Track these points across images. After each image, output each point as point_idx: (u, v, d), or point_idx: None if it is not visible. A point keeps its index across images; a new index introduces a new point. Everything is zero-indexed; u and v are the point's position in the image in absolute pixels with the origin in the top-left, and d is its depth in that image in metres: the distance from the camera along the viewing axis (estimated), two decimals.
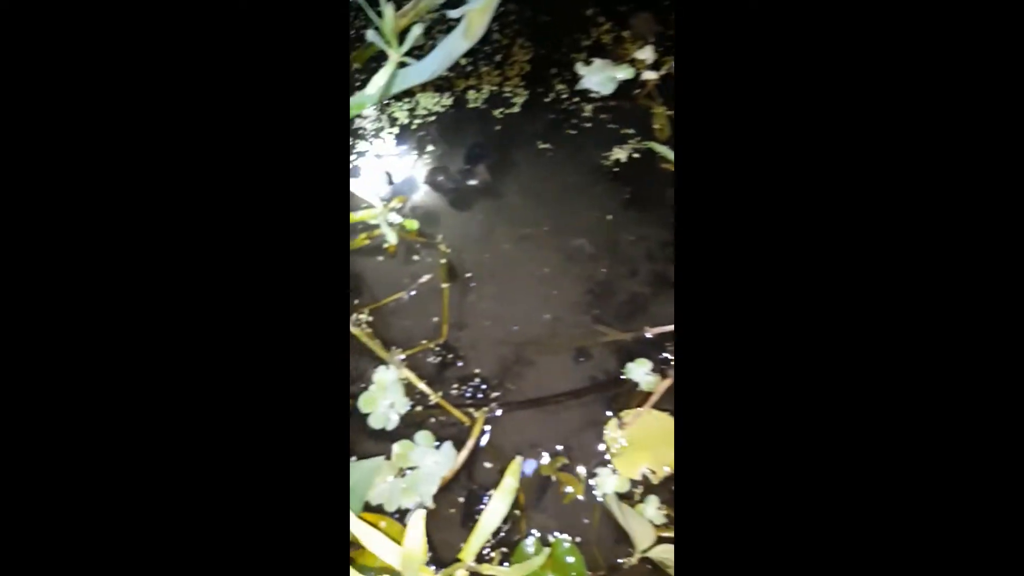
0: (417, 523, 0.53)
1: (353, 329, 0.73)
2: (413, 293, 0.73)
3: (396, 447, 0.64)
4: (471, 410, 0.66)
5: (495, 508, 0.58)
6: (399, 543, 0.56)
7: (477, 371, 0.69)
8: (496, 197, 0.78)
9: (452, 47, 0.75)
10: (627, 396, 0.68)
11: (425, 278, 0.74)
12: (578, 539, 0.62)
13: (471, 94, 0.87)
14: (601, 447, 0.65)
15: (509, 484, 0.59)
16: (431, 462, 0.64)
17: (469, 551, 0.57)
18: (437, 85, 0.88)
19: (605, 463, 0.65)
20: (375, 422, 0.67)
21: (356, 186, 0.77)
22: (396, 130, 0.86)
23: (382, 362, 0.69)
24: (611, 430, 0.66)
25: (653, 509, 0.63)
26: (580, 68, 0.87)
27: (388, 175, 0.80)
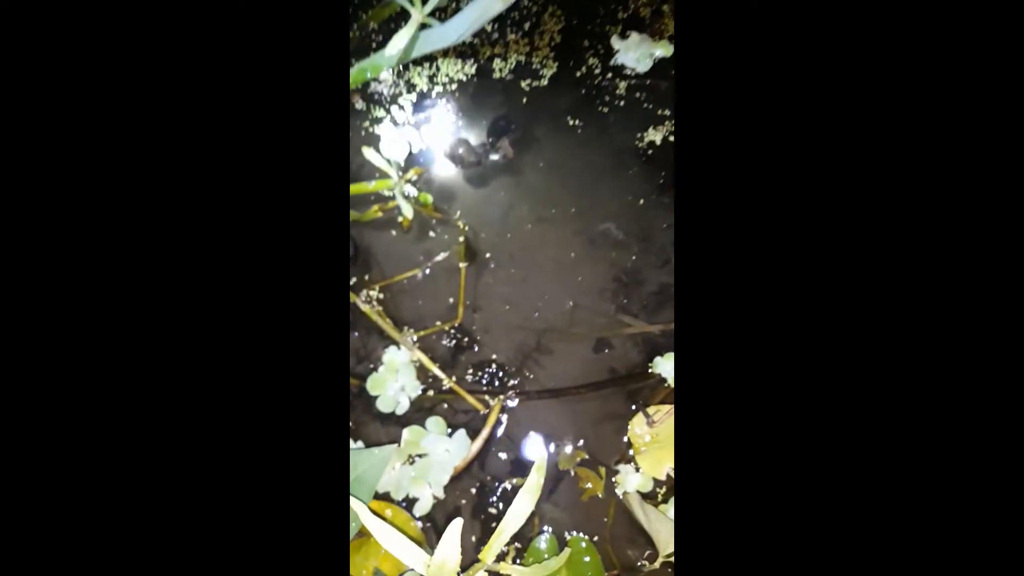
0: (453, 534, 0.48)
1: (362, 305, 0.69)
2: (428, 271, 0.71)
3: (406, 433, 0.61)
4: (486, 397, 0.64)
5: (520, 508, 0.54)
6: (406, 532, 0.54)
7: (494, 357, 0.66)
8: (519, 174, 0.75)
9: (483, 9, 0.71)
10: (652, 391, 0.66)
11: (441, 256, 0.71)
12: (595, 538, 0.60)
13: (497, 63, 0.83)
14: (624, 443, 0.63)
15: (535, 482, 0.55)
16: (443, 450, 0.61)
17: (490, 552, 0.54)
18: (460, 51, 0.84)
19: (628, 460, 0.63)
20: (383, 405, 0.63)
21: (370, 154, 0.73)
22: (414, 97, 0.83)
23: (393, 342, 0.66)
24: (636, 426, 0.64)
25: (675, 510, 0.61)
26: (615, 42, 0.83)
27: (408, 144, 0.76)
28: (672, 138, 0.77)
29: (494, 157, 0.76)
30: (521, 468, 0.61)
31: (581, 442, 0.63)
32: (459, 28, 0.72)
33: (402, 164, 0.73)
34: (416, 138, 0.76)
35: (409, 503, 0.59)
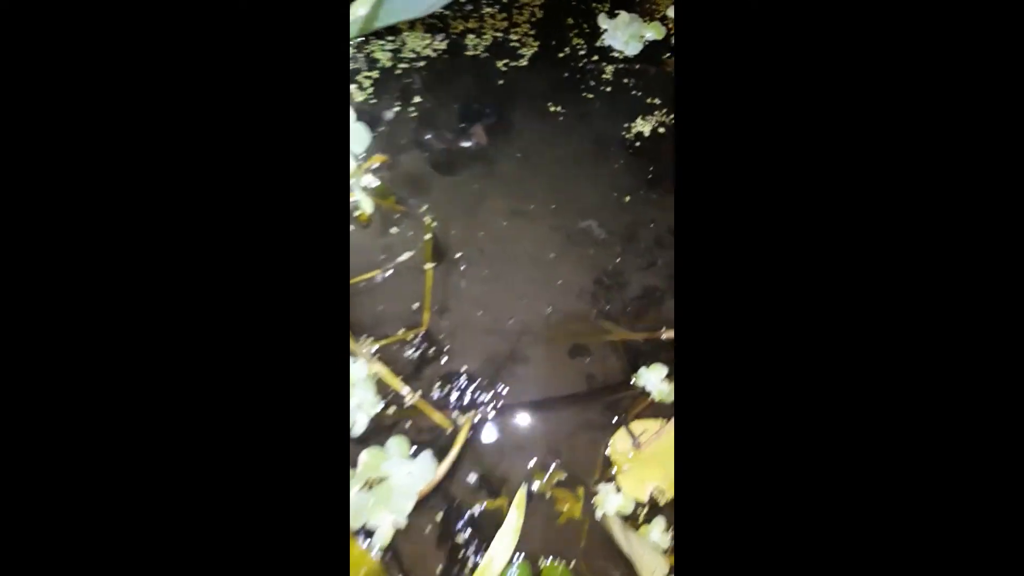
0: None
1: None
2: (390, 273, 0.64)
3: (364, 455, 0.55)
4: (455, 414, 0.58)
5: (501, 548, 0.49)
6: (364, 565, 0.49)
7: (463, 368, 0.60)
8: (493, 164, 0.68)
9: None
10: (635, 404, 0.62)
11: (405, 256, 0.64)
12: (571, 564, 0.57)
13: (470, 39, 0.76)
14: (604, 460, 0.58)
15: (514, 523, 0.50)
16: (405, 473, 0.56)
17: None
18: (429, 24, 0.77)
19: (608, 479, 0.59)
20: None
21: None
22: (376, 74, 0.75)
23: (350, 354, 0.61)
24: (618, 443, 0.61)
25: (658, 532, 0.57)
26: (603, 20, 0.77)
27: (366, 127, 0.68)
28: (662, 130, 0.73)
29: (465, 144, 0.71)
30: (492, 491, 0.57)
31: (557, 461, 0.59)
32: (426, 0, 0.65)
33: (361, 152, 0.67)
34: (377, 121, 0.70)
35: (367, 533, 0.55)
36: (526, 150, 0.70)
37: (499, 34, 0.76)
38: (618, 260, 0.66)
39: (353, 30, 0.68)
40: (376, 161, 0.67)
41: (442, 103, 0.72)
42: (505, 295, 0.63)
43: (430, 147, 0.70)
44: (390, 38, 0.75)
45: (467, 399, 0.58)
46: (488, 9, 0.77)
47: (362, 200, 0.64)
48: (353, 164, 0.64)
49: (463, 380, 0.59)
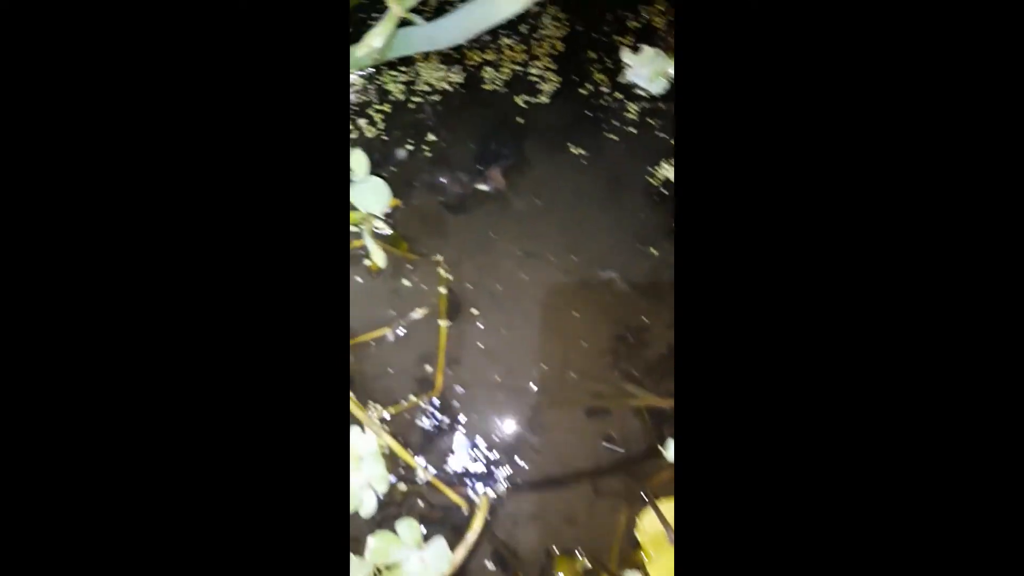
0: None
1: None
2: (402, 332, 0.59)
3: (372, 540, 0.51)
4: (471, 492, 0.54)
5: None
6: None
7: (479, 440, 0.57)
8: (511, 210, 0.64)
9: (486, 13, 0.60)
10: (665, 478, 0.58)
11: (418, 313, 0.60)
12: None
13: (487, 72, 0.72)
14: (631, 542, 0.53)
15: None
16: (417, 560, 0.52)
17: None
18: (444, 55, 0.73)
19: (635, 565, 0.55)
20: None
21: None
22: (388, 108, 0.71)
23: (357, 423, 0.55)
24: (646, 522, 0.57)
25: None
26: (626, 56, 0.74)
27: (373, 164, 0.63)
28: None
29: (482, 187, 0.67)
30: None
31: (579, 547, 0.55)
32: (451, 32, 0.61)
33: (381, 207, 0.60)
34: (387, 158, 0.65)
35: None
36: (543, 192, 0.66)
37: (518, 67, 0.72)
38: (643, 318, 0.63)
39: (366, 61, 0.64)
40: (390, 205, 0.62)
41: (457, 141, 0.68)
42: (522, 353, 0.59)
43: (444, 189, 0.66)
44: (403, 68, 0.71)
45: (482, 473, 0.54)
46: (506, 40, 0.73)
47: (372, 249, 0.59)
48: (362, 208, 0.60)
49: (478, 452, 0.55)
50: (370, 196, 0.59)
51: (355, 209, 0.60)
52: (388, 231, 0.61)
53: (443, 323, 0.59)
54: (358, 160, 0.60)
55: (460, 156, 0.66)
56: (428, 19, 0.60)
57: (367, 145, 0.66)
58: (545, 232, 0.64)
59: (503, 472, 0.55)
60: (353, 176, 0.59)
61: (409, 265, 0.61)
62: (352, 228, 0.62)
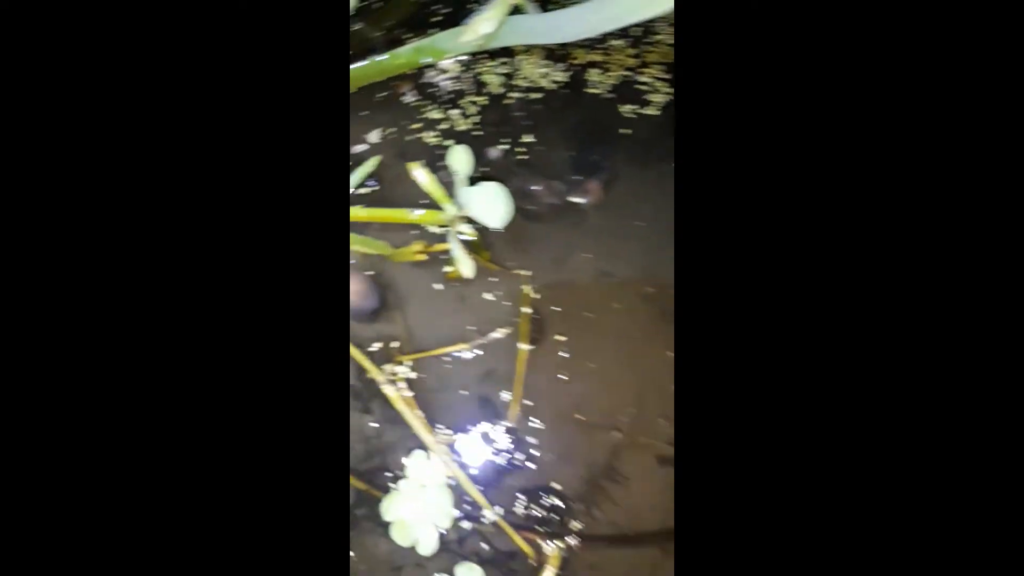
0: None
1: (386, 388, 0.52)
2: (478, 352, 0.54)
3: None
4: (540, 540, 0.49)
5: None
6: None
7: (555, 484, 0.52)
8: (607, 229, 0.58)
9: (612, 14, 0.54)
10: None
11: (499, 333, 0.55)
12: None
13: (594, 74, 0.67)
14: None
15: None
16: None
17: None
18: (549, 50, 0.68)
19: None
20: (400, 536, 0.48)
21: (420, 175, 0.54)
22: (483, 99, 0.67)
23: (421, 445, 0.51)
24: None
25: None
26: None
27: (466, 164, 0.55)
28: None
29: (578, 200, 0.62)
30: None
31: None
32: (567, 28, 0.56)
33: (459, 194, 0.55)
34: (480, 157, 0.60)
35: None
36: (650, 218, 0.60)
37: (627, 73, 0.67)
38: None
39: (466, 47, 0.59)
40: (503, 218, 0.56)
41: (556, 146, 0.63)
42: (609, 391, 0.53)
43: (536, 198, 0.61)
44: (503, 60, 0.66)
45: (554, 520, 0.49)
46: (616, 42, 0.68)
47: (458, 256, 0.54)
48: (451, 210, 0.54)
49: (554, 498, 0.49)
50: (482, 202, 0.52)
51: (439, 208, 0.55)
52: (470, 236, 0.57)
53: (524, 347, 0.54)
54: (461, 156, 0.54)
55: (556, 163, 0.62)
56: (545, 8, 0.55)
57: (457, 139, 0.61)
58: (646, 257, 0.59)
59: (577, 522, 0.51)
60: (456, 174, 0.54)
61: (493, 278, 0.57)
62: (435, 228, 0.58)
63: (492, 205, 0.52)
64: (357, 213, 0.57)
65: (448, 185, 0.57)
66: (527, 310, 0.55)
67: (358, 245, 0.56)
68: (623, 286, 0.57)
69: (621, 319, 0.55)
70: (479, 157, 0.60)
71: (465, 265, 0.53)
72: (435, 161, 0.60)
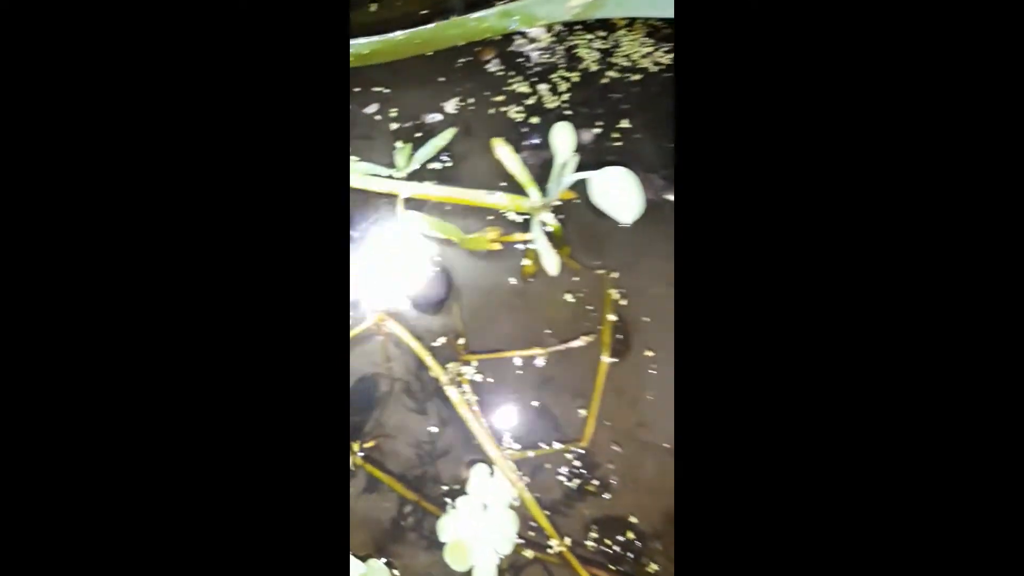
0: None
1: (449, 389, 0.46)
2: (554, 360, 0.47)
3: None
4: None
5: None
6: None
7: (632, 518, 0.46)
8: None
9: None
10: None
11: (580, 341, 0.49)
12: None
13: None
14: None
15: None
16: None
17: None
18: (653, 27, 0.62)
19: None
20: (455, 560, 0.43)
21: (504, 153, 0.48)
22: (576, 76, 0.61)
23: (483, 458, 0.45)
24: None
25: None
26: None
27: (570, 144, 0.49)
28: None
29: (672, 198, 0.56)
30: None
31: None
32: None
33: (566, 159, 0.47)
34: (565, 140, 0.54)
35: None
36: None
37: None
38: None
39: (564, 15, 0.53)
40: (563, 198, 0.50)
41: (655, 135, 0.57)
42: None
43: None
44: (601, 34, 0.60)
45: (628, 559, 0.43)
46: None
47: (542, 248, 0.48)
48: (535, 197, 0.48)
49: (630, 535, 0.44)
50: (609, 191, 0.45)
51: (523, 194, 0.50)
52: (550, 228, 0.52)
53: (606, 359, 0.48)
54: (564, 136, 0.47)
55: (652, 153, 0.56)
56: None
57: (543, 115, 0.55)
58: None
59: (654, 564, 0.45)
60: (557, 156, 0.47)
61: (574, 277, 0.52)
62: (513, 215, 0.52)
63: (623, 194, 0.45)
64: (426, 190, 0.52)
65: (533, 167, 0.52)
66: (612, 317, 0.50)
67: (427, 227, 0.52)
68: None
69: None
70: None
71: (550, 260, 0.48)
72: (518, 139, 0.54)
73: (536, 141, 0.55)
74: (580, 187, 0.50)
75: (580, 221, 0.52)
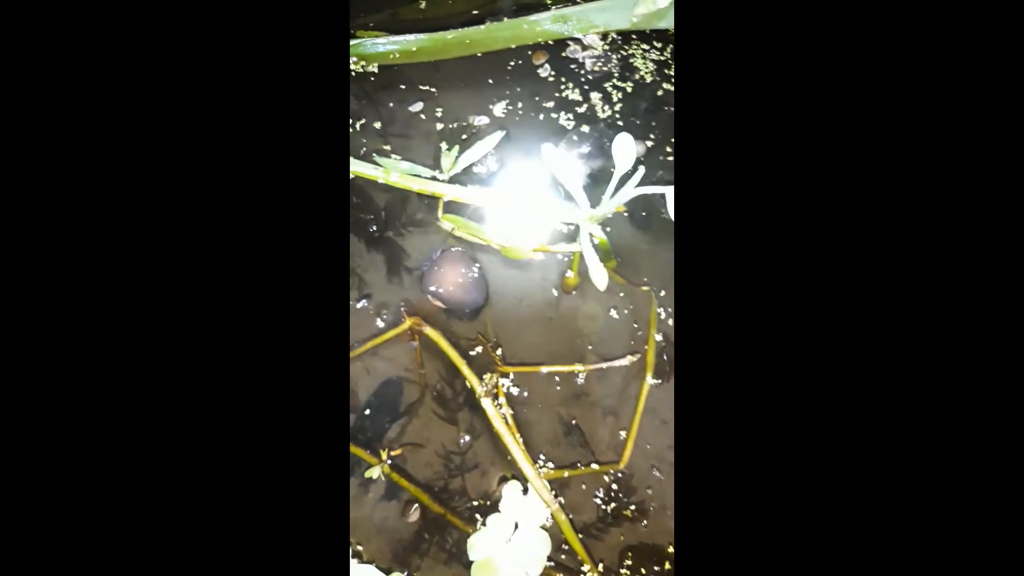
0: None
1: (485, 402, 0.45)
2: (595, 378, 0.46)
3: None
4: None
5: None
6: None
7: (671, 548, 0.43)
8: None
9: None
10: None
11: (624, 360, 0.47)
12: None
13: None
14: None
15: None
16: None
17: None
18: None
19: None
20: None
21: (552, 155, 0.47)
22: (628, 87, 0.60)
23: (521, 479, 0.43)
24: None
25: None
26: None
27: (631, 156, 0.47)
28: None
29: None
30: None
31: None
32: None
33: (628, 169, 0.45)
34: (615, 152, 0.53)
35: None
36: None
37: None
38: None
39: (626, 21, 0.53)
40: (616, 211, 0.48)
41: None
42: None
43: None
44: (657, 44, 0.60)
45: None
46: None
47: (590, 260, 0.46)
48: (583, 208, 0.47)
49: (665, 565, 0.42)
50: (622, 153, 0.44)
51: (577, 205, 0.47)
52: (597, 240, 0.51)
53: (651, 380, 0.47)
54: (626, 147, 0.45)
55: None
56: None
57: (592, 123, 0.54)
58: None
59: None
60: (618, 167, 0.46)
61: (620, 292, 0.51)
62: (561, 226, 0.51)
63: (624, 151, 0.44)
64: (469, 194, 0.51)
65: (586, 177, 0.51)
66: (658, 337, 0.49)
67: (467, 231, 0.51)
68: None
69: None
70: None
71: (598, 273, 0.47)
72: (567, 147, 0.53)
73: (586, 149, 0.55)
74: (630, 201, 0.50)
75: (624, 236, 0.51)
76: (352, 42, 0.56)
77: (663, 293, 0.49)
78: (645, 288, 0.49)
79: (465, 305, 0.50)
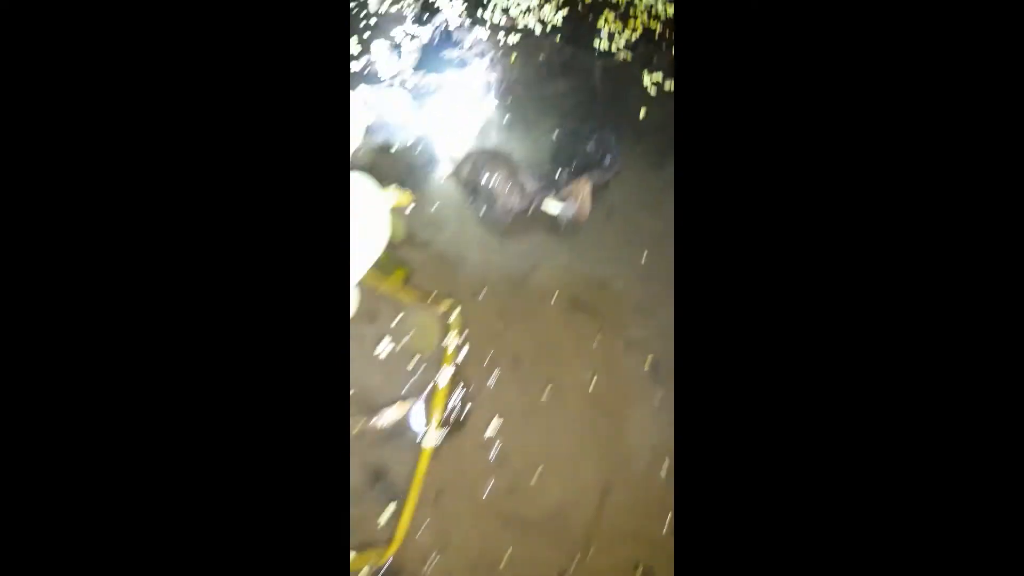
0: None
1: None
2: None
3: None
4: None
5: None
6: None
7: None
8: (581, 239, 0.43)
9: None
10: None
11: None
12: None
13: (608, 22, 0.48)
14: None
15: None
16: None
17: None
18: None
19: None
20: None
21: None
22: (430, 30, 0.46)
23: None
24: None
25: None
26: None
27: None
28: None
29: (551, 211, 0.45)
30: None
31: None
32: None
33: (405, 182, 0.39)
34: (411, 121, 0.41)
35: None
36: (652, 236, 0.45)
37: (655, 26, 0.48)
38: None
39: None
40: (404, 200, 0.40)
41: (533, 123, 0.43)
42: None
43: (499, 204, 0.42)
44: None
45: None
46: None
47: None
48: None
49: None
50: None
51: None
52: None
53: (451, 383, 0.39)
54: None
55: (532, 145, 0.44)
56: None
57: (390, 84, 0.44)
58: (642, 284, 0.44)
59: None
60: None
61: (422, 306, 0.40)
62: None
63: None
64: None
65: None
66: (460, 348, 0.39)
67: None
68: (589, 328, 0.43)
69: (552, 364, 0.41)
70: None
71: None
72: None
73: None
74: (420, 183, 0.40)
75: (427, 232, 0.41)
76: None
77: (457, 308, 0.40)
78: (441, 299, 0.41)
79: None
